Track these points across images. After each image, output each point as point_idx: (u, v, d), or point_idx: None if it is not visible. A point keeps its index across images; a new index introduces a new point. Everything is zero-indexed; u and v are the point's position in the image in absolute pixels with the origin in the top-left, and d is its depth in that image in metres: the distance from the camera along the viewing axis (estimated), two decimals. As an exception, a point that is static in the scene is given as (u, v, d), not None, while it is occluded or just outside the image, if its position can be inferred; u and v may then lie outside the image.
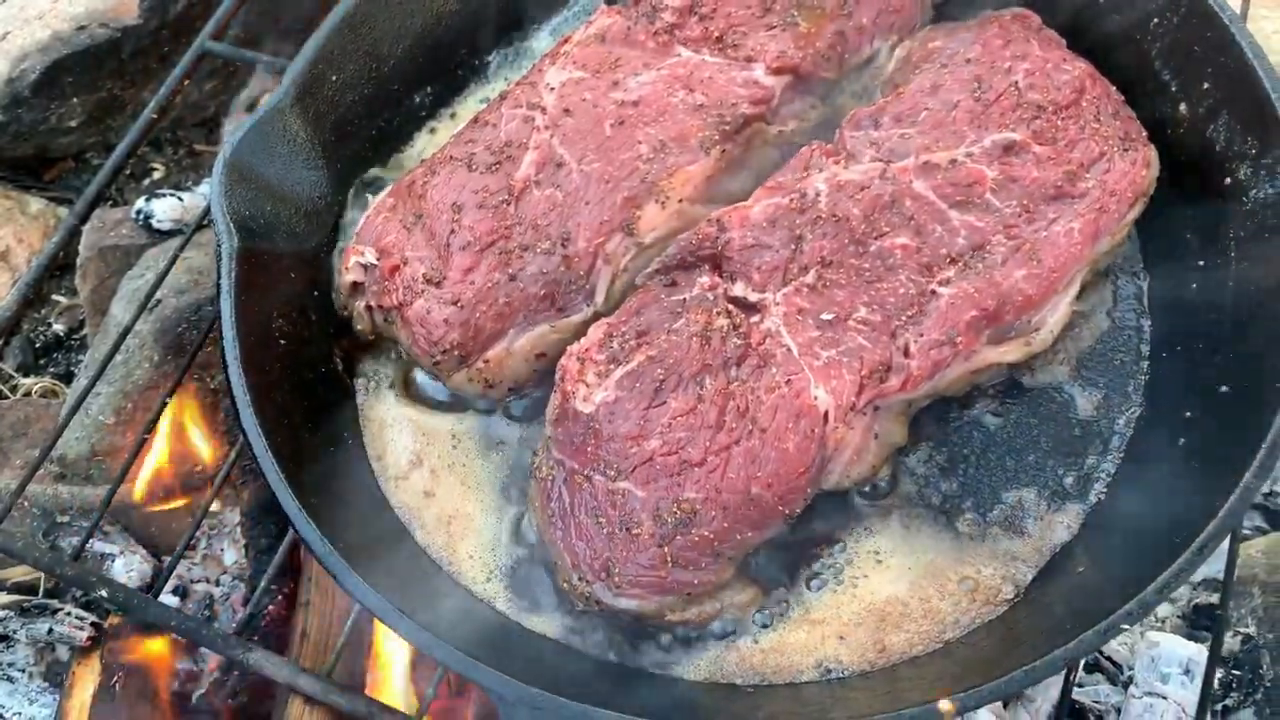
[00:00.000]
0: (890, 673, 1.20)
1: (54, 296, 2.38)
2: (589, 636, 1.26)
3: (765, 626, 1.27)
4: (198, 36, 1.93)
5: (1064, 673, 1.37)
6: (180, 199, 2.18)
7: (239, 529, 1.94)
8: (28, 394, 2.27)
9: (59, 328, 2.36)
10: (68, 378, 2.32)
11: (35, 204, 2.38)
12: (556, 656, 1.23)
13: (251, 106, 2.54)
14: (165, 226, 2.17)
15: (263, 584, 1.47)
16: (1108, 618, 1.04)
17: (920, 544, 1.32)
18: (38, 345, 2.34)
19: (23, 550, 1.58)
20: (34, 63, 2.17)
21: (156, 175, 2.49)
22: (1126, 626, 1.03)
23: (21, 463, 2.12)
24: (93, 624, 1.88)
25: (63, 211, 2.43)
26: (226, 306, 1.31)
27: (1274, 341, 1.19)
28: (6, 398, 2.24)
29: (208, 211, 1.84)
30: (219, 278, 1.33)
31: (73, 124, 2.33)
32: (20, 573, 2.08)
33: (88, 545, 1.65)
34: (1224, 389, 1.26)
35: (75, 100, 2.28)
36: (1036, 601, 1.25)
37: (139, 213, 2.18)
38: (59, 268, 2.34)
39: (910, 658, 1.22)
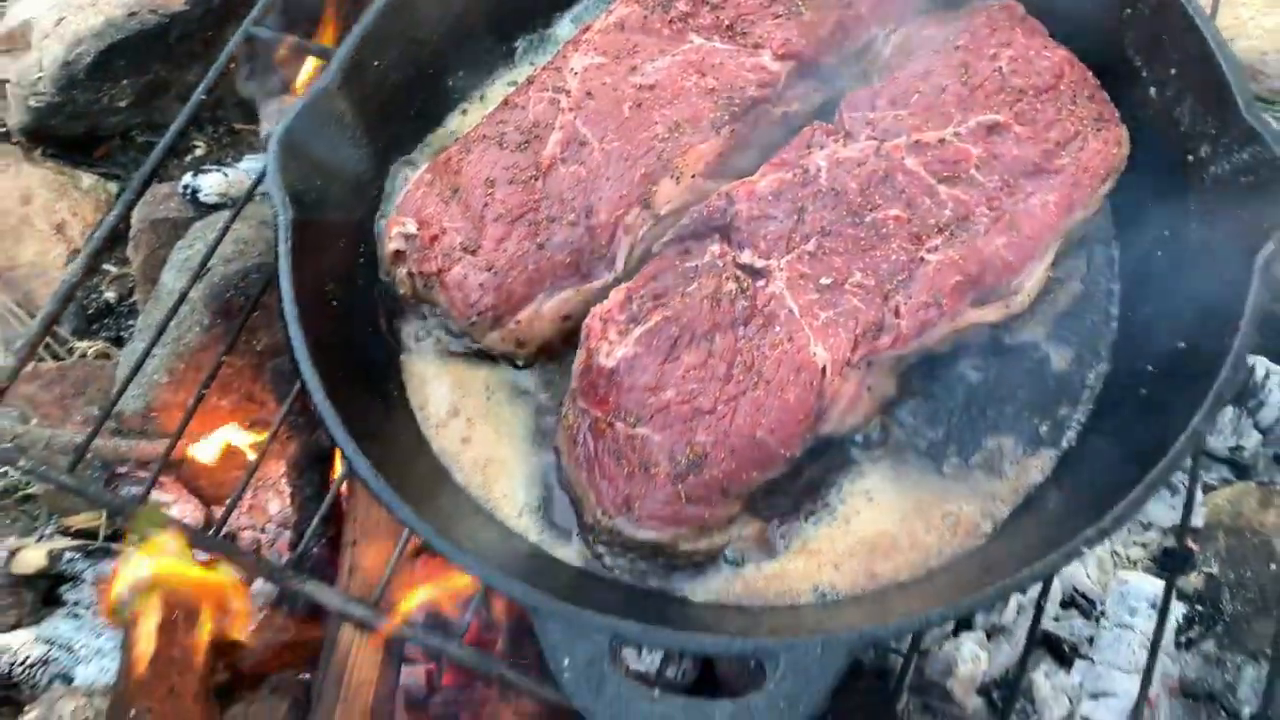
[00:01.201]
0: (880, 595, 1.33)
1: (104, 266, 2.51)
2: (610, 565, 1.39)
3: (767, 557, 1.39)
4: (240, 22, 2.05)
5: (1035, 604, 1.51)
6: (225, 174, 2.31)
7: (284, 480, 2.07)
8: (82, 356, 2.40)
9: (110, 295, 2.49)
10: (118, 341, 2.45)
11: (87, 179, 2.51)
12: (582, 581, 1.36)
13: (284, 89, 2.66)
14: (211, 200, 2.29)
15: (314, 523, 1.61)
16: (1068, 544, 1.18)
17: (908, 484, 1.44)
18: (90, 311, 2.47)
19: (96, 495, 1.72)
20: (88, 47, 2.30)
21: (198, 152, 2.62)
22: (1085, 549, 1.16)
23: (82, 419, 2.25)
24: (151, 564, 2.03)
25: (112, 186, 2.55)
26: (285, 272, 1.43)
27: (1223, 302, 1.30)
28: (63, 359, 2.38)
29: (254, 185, 1.98)
30: (277, 246, 1.45)
31: (122, 104, 2.46)
32: (83, 520, 2.22)
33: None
34: (1180, 345, 1.37)
35: (125, 82, 2.40)
36: (1012, 534, 1.38)
37: (186, 188, 2.31)
38: (111, 241, 2.47)
39: (898, 583, 1.35)
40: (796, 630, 1.24)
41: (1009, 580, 1.17)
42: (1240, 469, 1.95)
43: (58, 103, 2.37)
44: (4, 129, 2.65)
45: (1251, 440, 1.92)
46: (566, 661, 1.15)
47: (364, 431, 1.35)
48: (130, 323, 2.46)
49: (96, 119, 2.50)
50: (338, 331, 1.48)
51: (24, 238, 2.40)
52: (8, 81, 2.38)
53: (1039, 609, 1.46)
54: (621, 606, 1.27)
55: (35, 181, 2.42)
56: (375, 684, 1.43)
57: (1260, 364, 1.93)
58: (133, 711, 1.43)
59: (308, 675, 1.60)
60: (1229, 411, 1.93)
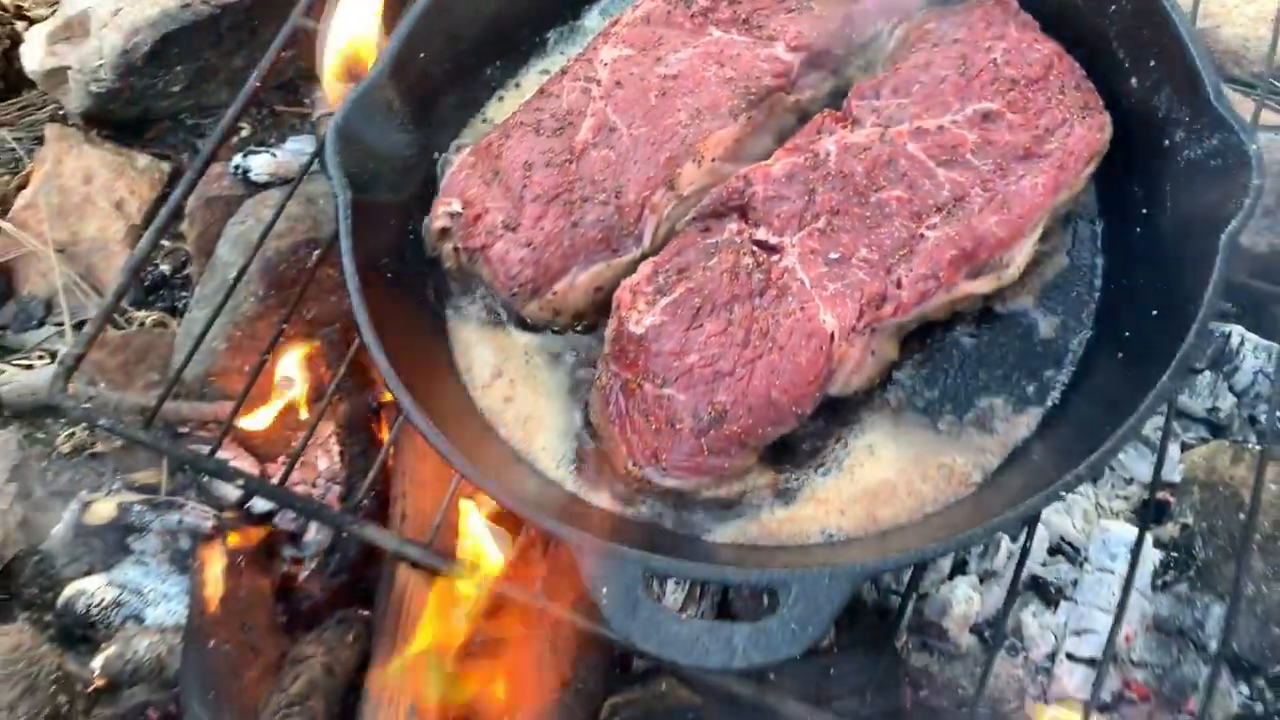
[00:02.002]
0: (880, 537, 1.45)
1: (160, 241, 2.64)
2: (640, 510, 1.52)
3: (780, 503, 1.51)
4: (289, 13, 2.18)
5: (1022, 548, 1.64)
6: (273, 155, 2.44)
7: (333, 439, 2.21)
8: (141, 325, 2.54)
9: (165, 268, 2.62)
10: (172, 311, 2.59)
11: (142, 159, 2.62)
12: (615, 523, 1.49)
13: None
14: (261, 179, 2.42)
15: (373, 470, 1.75)
16: (1049, 488, 1.31)
17: (907, 439, 1.55)
18: (146, 283, 2.61)
19: (171, 449, 1.86)
20: (145, 36, 2.42)
21: (244, 133, 2.74)
22: (1063, 493, 1.29)
23: (144, 383, 2.39)
24: (214, 515, 2.18)
25: (165, 166, 2.68)
26: (346, 247, 1.56)
27: (1192, 273, 1.42)
28: (123, 329, 2.52)
29: (308, 165, 2.12)
30: (337, 224, 1.58)
31: (175, 89, 2.58)
32: (146, 476, 2.36)
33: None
34: (1154, 312, 1.49)
35: (179, 69, 2.52)
36: (1000, 483, 1.49)
37: (237, 168, 2.44)
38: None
39: (897, 526, 1.47)
40: (806, 565, 1.38)
41: (995, 520, 1.31)
42: (1216, 429, 2.08)
43: (116, 88, 2.50)
44: (62, 112, 2.80)
45: (1227, 402, 2.05)
46: (605, 590, 1.29)
47: (419, 392, 1.49)
48: (184, 294, 2.59)
49: (149, 103, 2.62)
50: (392, 302, 1.60)
51: (86, 215, 2.53)
52: (69, 68, 2.51)
53: (1025, 552, 1.59)
54: (650, 545, 1.41)
55: (95, 162, 2.55)
56: (434, 620, 1.58)
57: (1236, 333, 2.05)
58: (211, 643, 1.57)
59: (366, 612, 1.74)
60: (1206, 376, 2.06)
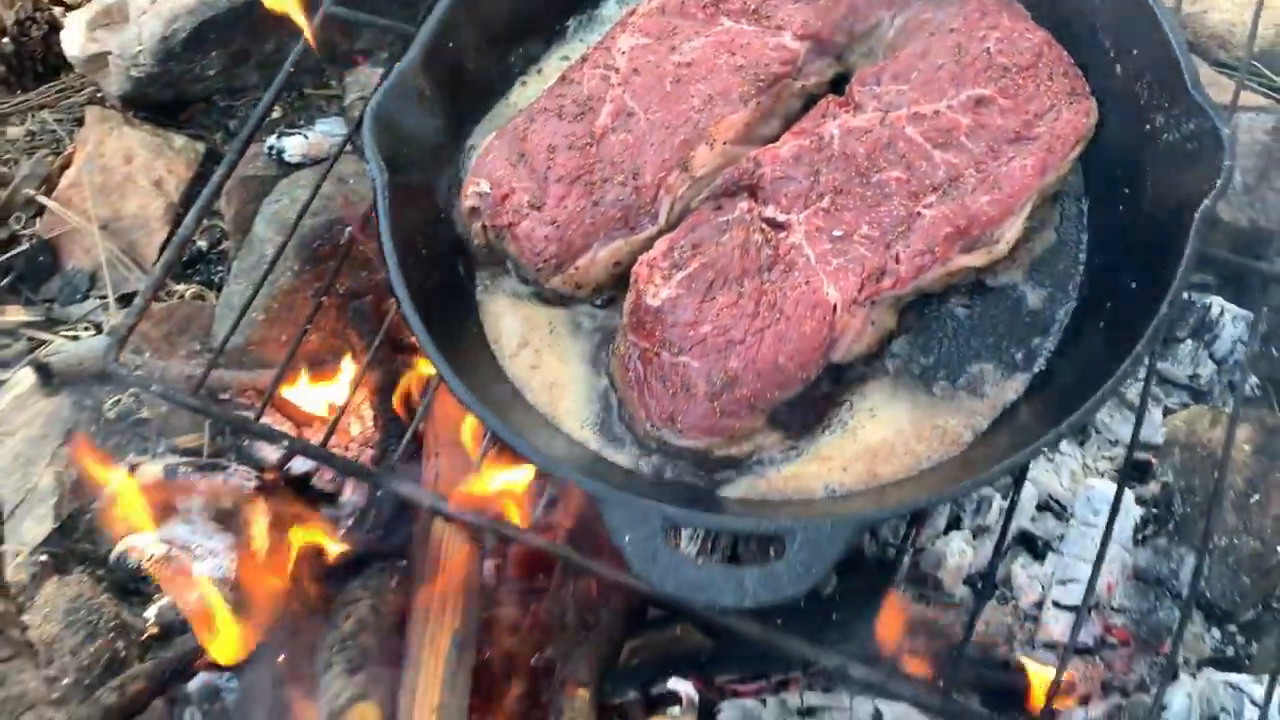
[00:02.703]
0: (879, 490, 1.55)
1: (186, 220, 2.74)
2: (657, 467, 1.62)
3: (786, 461, 1.61)
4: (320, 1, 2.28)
5: (1010, 501, 1.75)
6: (305, 136, 2.54)
7: (366, 405, 2.33)
8: (180, 297, 2.66)
9: (202, 244, 2.73)
10: (208, 284, 2.70)
11: (179, 140, 2.73)
12: (635, 480, 1.59)
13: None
14: (294, 160, 2.53)
15: (410, 430, 1.86)
16: (1031, 446, 1.42)
17: (904, 403, 1.64)
18: (184, 259, 2.72)
19: (220, 414, 1.98)
20: (183, 23, 2.52)
21: (274, 115, 2.84)
22: (1046, 449, 1.41)
23: (186, 352, 2.51)
24: (256, 476, 2.30)
25: (200, 146, 2.78)
26: (385, 226, 1.65)
27: (1168, 248, 1.52)
28: (163, 301, 2.63)
29: (342, 146, 2.21)
30: (375, 203, 1.67)
31: (210, 73, 2.68)
32: (188, 440, 2.48)
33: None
34: (1133, 284, 1.58)
35: (214, 54, 2.63)
36: (989, 443, 1.58)
37: (271, 148, 2.54)
38: (200, 194, 2.71)
39: (894, 481, 1.56)
40: (811, 514, 1.49)
41: (983, 474, 1.42)
42: (1197, 394, 2.19)
43: (155, 73, 2.60)
44: (100, 95, 2.90)
45: (1207, 369, 2.16)
46: (627, 538, 1.39)
47: (453, 360, 1.59)
48: (219, 269, 2.71)
49: (185, 86, 2.72)
50: (426, 276, 1.68)
51: (127, 193, 2.64)
52: (109, 53, 2.61)
53: (1013, 506, 1.71)
54: (668, 500, 1.52)
55: (135, 143, 2.66)
56: (465, 566, 1.69)
57: (1216, 304, 2.16)
58: (263, 588, 1.69)
59: (404, 562, 1.86)
60: (1188, 344, 2.17)
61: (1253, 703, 1.67)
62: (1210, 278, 2.25)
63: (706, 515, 1.43)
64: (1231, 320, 2.13)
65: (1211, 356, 2.15)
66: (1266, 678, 1.55)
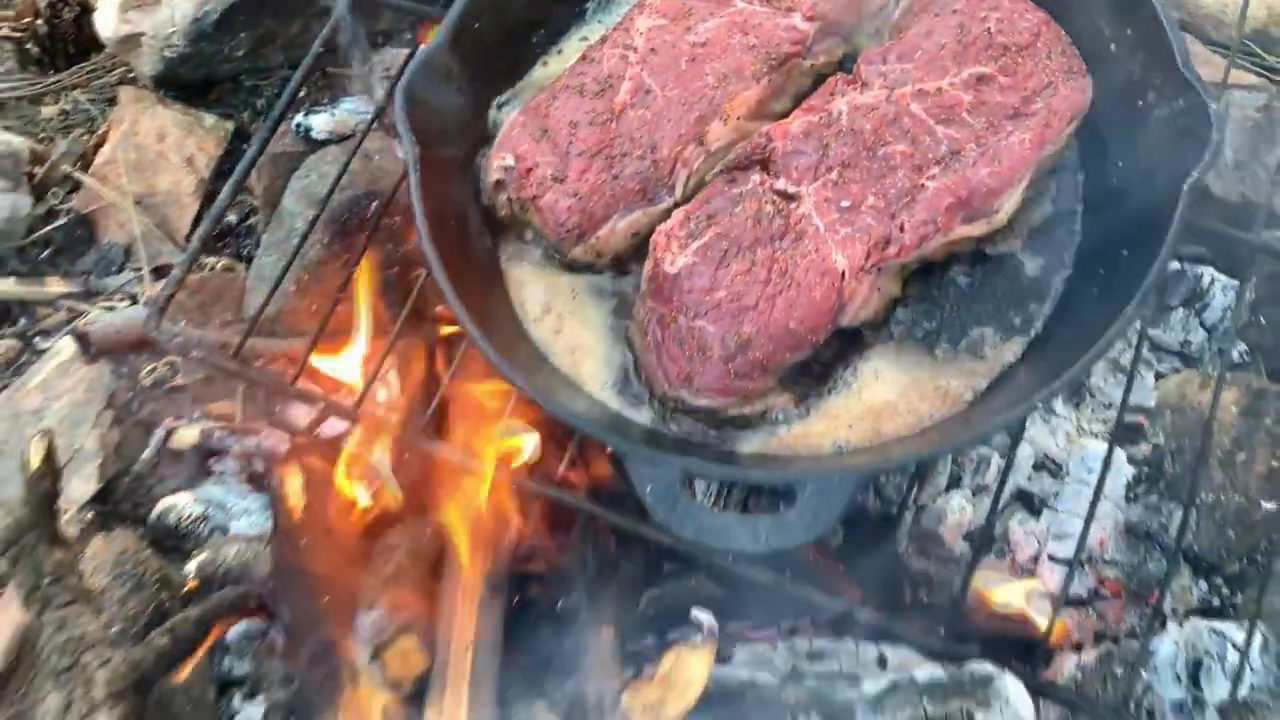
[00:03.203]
0: (883, 446, 1.63)
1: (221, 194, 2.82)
2: (674, 425, 1.70)
3: (796, 420, 1.68)
4: (346, -15, 2.34)
5: (1006, 459, 1.84)
6: (332, 114, 2.62)
7: (393, 372, 2.41)
8: (212, 269, 2.74)
9: (231, 218, 2.80)
10: (238, 257, 2.78)
11: (209, 119, 2.80)
12: (654, 437, 1.67)
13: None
14: (321, 137, 2.60)
15: (436, 397, 1.95)
16: (1026, 401, 1.51)
17: (907, 364, 1.71)
18: (215, 232, 2.79)
19: (259, 377, 2.05)
20: (214, 5, 2.59)
21: (300, 94, 2.91)
22: (1039, 405, 1.49)
23: (219, 322, 2.59)
24: (289, 439, 2.38)
25: (229, 124, 2.86)
26: (417, 197, 1.72)
27: (1159, 219, 1.59)
28: (196, 273, 2.71)
29: (370, 123, 2.28)
30: (409, 175, 1.75)
31: (238, 54, 2.75)
32: (220, 406, 2.57)
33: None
34: (1125, 252, 1.66)
35: (242, 35, 2.70)
36: (988, 402, 1.66)
37: (299, 126, 2.62)
38: (231, 171, 2.79)
39: (898, 438, 1.65)
40: (819, 469, 1.58)
41: (980, 429, 1.50)
42: (1188, 360, 2.26)
43: (187, 54, 2.67)
44: (131, 75, 2.97)
45: (1198, 336, 2.23)
46: (649, 489, 1.48)
47: (481, 325, 1.67)
48: (248, 242, 2.78)
49: (214, 66, 2.79)
50: (454, 246, 1.76)
51: (160, 169, 2.72)
52: (142, 35, 2.68)
53: (1009, 462, 1.79)
54: (685, 454, 1.60)
55: (167, 121, 2.73)
56: (493, 520, 1.77)
57: (1208, 274, 2.23)
58: (303, 541, 1.78)
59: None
60: (1180, 312, 2.24)
61: (1234, 646, 1.76)
62: (1203, 249, 2.32)
63: (723, 468, 1.51)
64: (1221, 289, 2.21)
65: (1202, 324, 2.22)
66: (1247, 623, 1.64)
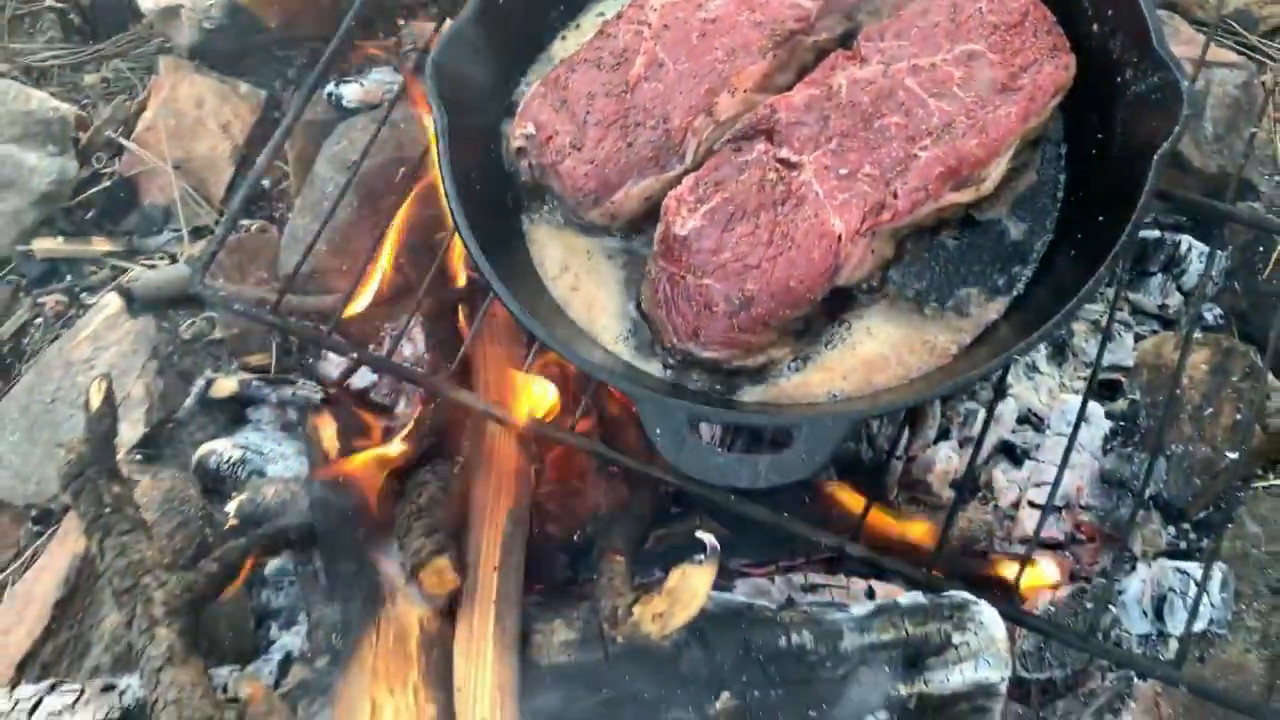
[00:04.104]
0: (874, 395, 1.73)
1: (258, 159, 2.93)
2: (681, 376, 1.81)
3: (795, 371, 1.79)
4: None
5: (988, 410, 1.95)
6: (362, 84, 2.72)
7: (418, 329, 2.52)
8: (247, 230, 2.84)
9: (264, 182, 2.91)
10: (270, 219, 2.88)
11: (243, 87, 2.91)
12: (663, 385, 1.79)
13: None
14: (352, 106, 2.70)
15: (461, 350, 2.06)
16: (1001, 355, 1.62)
17: (898, 322, 1.81)
18: (249, 198, 2.90)
19: (296, 328, 2.17)
20: (248, -21, 2.71)
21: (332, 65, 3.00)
22: (1016, 358, 1.59)
23: (254, 280, 2.71)
24: (321, 389, 2.51)
25: (262, 93, 2.97)
26: (445, 163, 1.82)
27: (1130, 187, 1.69)
28: (231, 234, 2.82)
29: (399, 94, 2.38)
30: (437, 142, 1.86)
31: (271, 25, 2.86)
32: (256, 359, 2.69)
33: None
34: (1100, 218, 1.75)
35: (275, 7, 2.81)
36: (971, 355, 1.75)
37: (330, 94, 2.72)
38: (264, 137, 2.90)
39: (888, 388, 1.75)
40: (816, 412, 1.69)
41: (961, 379, 1.61)
42: (1166, 323, 2.37)
43: (224, 25, 2.78)
44: (169, 45, 3.07)
45: (1175, 300, 2.34)
46: (658, 431, 1.59)
47: (505, 280, 1.78)
48: (280, 205, 2.89)
49: (248, 38, 2.90)
50: (479, 208, 1.84)
51: (198, 135, 2.83)
52: (182, 6, 2.79)
53: (990, 412, 1.90)
54: (692, 401, 1.72)
55: (205, 89, 2.84)
56: (515, 459, 1.89)
57: (1185, 241, 2.33)
58: (340, 479, 1.90)
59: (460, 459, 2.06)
60: (1158, 278, 2.35)
61: (1196, 584, 1.88)
62: (1183, 219, 2.42)
63: (726, 412, 1.63)
64: (1198, 256, 2.31)
65: (1179, 289, 2.33)
66: (1204, 561, 1.75)
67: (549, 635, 1.59)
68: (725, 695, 1.48)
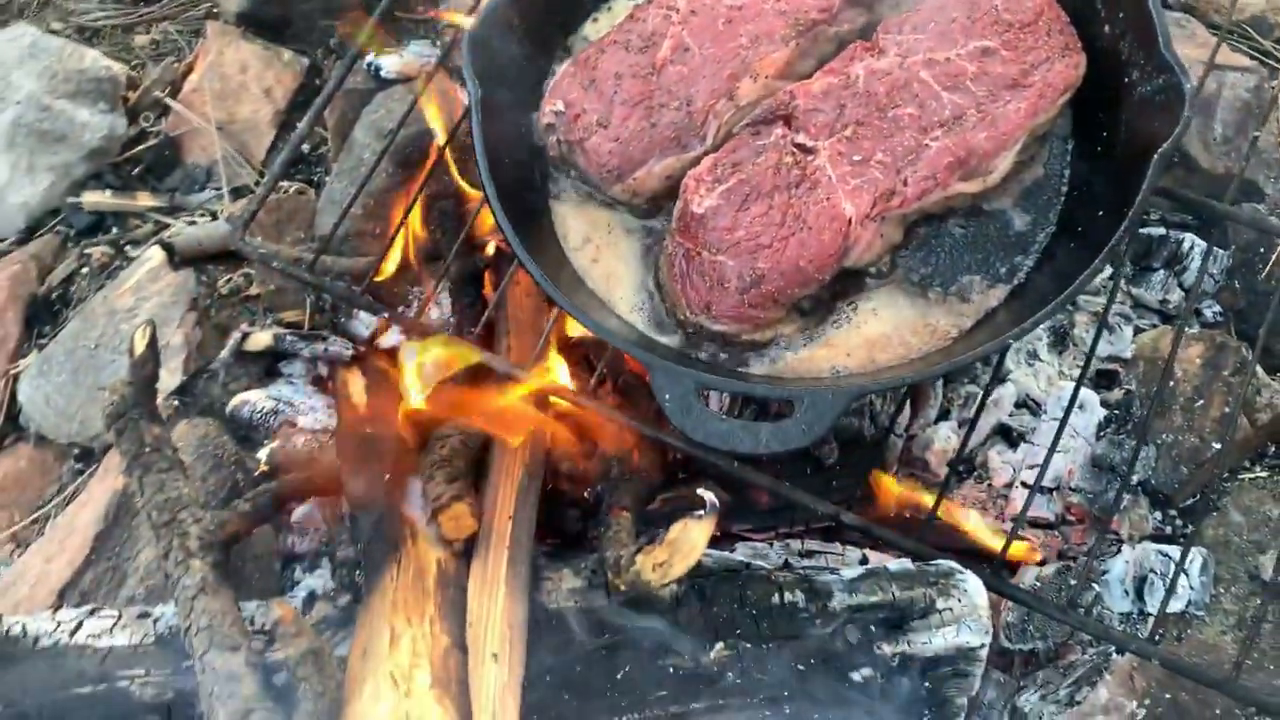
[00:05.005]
0: (876, 371, 1.80)
1: (297, 125, 3.01)
2: (692, 347, 1.87)
3: (801, 347, 1.85)
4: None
5: (984, 393, 2.01)
6: (400, 56, 2.80)
7: (446, 294, 2.60)
8: (286, 192, 2.93)
9: (304, 147, 3.00)
10: (309, 182, 2.97)
11: (286, 54, 2.99)
12: (675, 354, 1.87)
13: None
14: (390, 76, 2.78)
15: (485, 314, 2.14)
16: (996, 340, 1.68)
17: (902, 304, 1.86)
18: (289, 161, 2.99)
19: (330, 286, 2.26)
20: (297, -50, 2.78)
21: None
22: (1011, 342, 1.65)
23: (291, 239, 2.80)
24: (351, 346, 2.60)
25: (304, 60, 3.05)
26: (478, 135, 1.89)
27: (1130, 186, 1.74)
28: (271, 195, 2.90)
29: (436, 67, 2.45)
30: (471, 115, 1.92)
31: (315, -5, 2.95)
32: (291, 315, 2.78)
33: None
34: (1101, 213, 1.80)
35: (320, -23, 2.89)
36: (970, 339, 1.81)
37: (369, 64, 2.80)
38: (304, 103, 2.99)
39: (888, 366, 1.81)
40: (818, 386, 1.76)
41: (955, 360, 1.68)
42: (1167, 318, 2.43)
43: (266, -8, 2.87)
44: (216, 10, 3.16)
45: (1176, 295, 2.39)
46: (667, 396, 1.66)
47: (530, 249, 1.84)
48: (318, 169, 2.99)
49: (291, 6, 2.98)
50: (508, 180, 1.89)
51: (241, 99, 2.91)
52: (229, -26, 2.88)
53: (986, 394, 1.97)
54: (701, 370, 1.79)
55: (249, 55, 2.92)
56: (532, 419, 1.98)
57: (1188, 239, 2.38)
58: (367, 429, 1.99)
59: (480, 417, 2.15)
60: (1161, 274, 2.40)
61: (1175, 564, 1.94)
62: (1189, 218, 2.47)
63: (731, 381, 1.70)
64: (1200, 254, 2.36)
65: (1180, 285, 2.38)
66: (1184, 543, 1.82)
67: (558, 582, 1.68)
68: (719, 645, 1.57)
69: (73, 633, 1.78)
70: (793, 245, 1.82)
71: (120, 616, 1.82)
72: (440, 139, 2.34)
